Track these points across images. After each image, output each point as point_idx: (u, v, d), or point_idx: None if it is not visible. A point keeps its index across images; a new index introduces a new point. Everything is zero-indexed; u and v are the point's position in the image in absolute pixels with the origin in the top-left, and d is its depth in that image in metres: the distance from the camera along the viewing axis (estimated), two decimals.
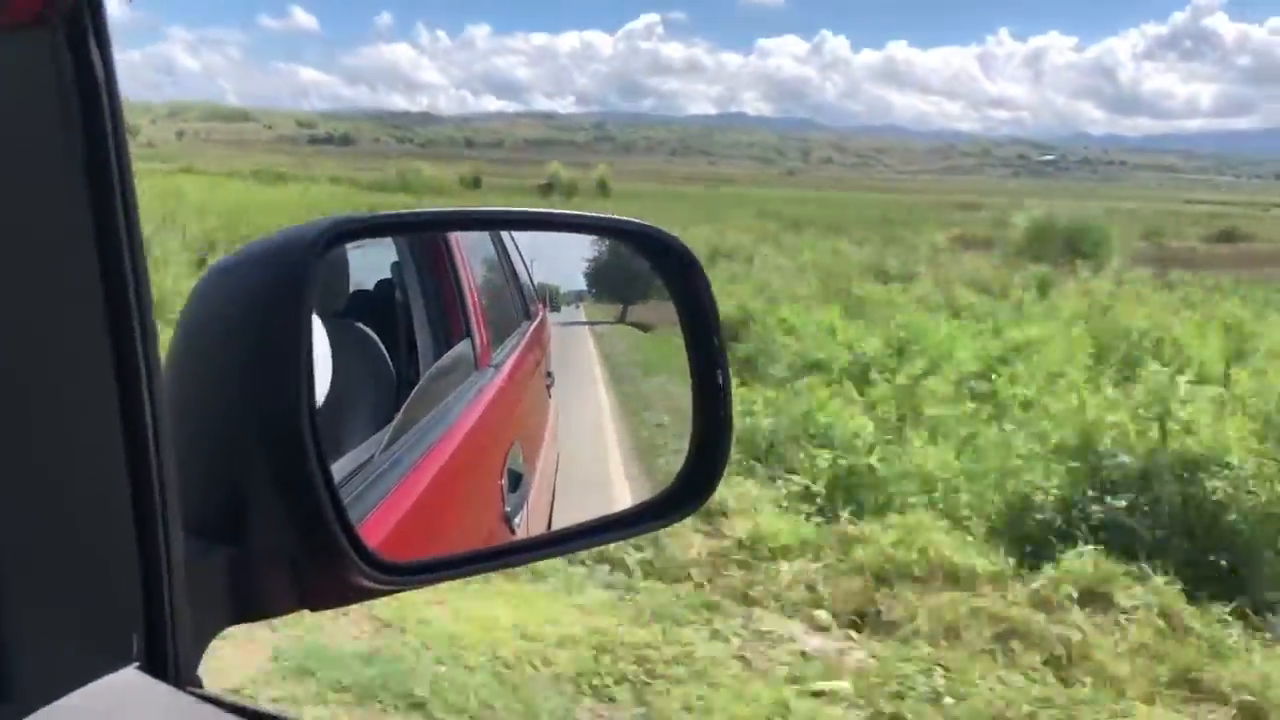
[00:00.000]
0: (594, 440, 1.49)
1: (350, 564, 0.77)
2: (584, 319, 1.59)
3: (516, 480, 1.39)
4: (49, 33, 0.57)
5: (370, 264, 1.29)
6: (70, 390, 0.61)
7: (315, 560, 0.77)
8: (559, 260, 1.57)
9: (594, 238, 1.35)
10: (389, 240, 1.27)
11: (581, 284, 1.53)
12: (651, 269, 1.17)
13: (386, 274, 1.31)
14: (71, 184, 0.59)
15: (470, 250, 1.47)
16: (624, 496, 1.25)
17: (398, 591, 0.86)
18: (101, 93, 0.59)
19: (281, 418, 0.74)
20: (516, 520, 1.35)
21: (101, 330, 0.62)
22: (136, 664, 0.65)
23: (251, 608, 0.76)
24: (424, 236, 1.33)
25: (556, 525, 1.48)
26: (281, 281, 0.77)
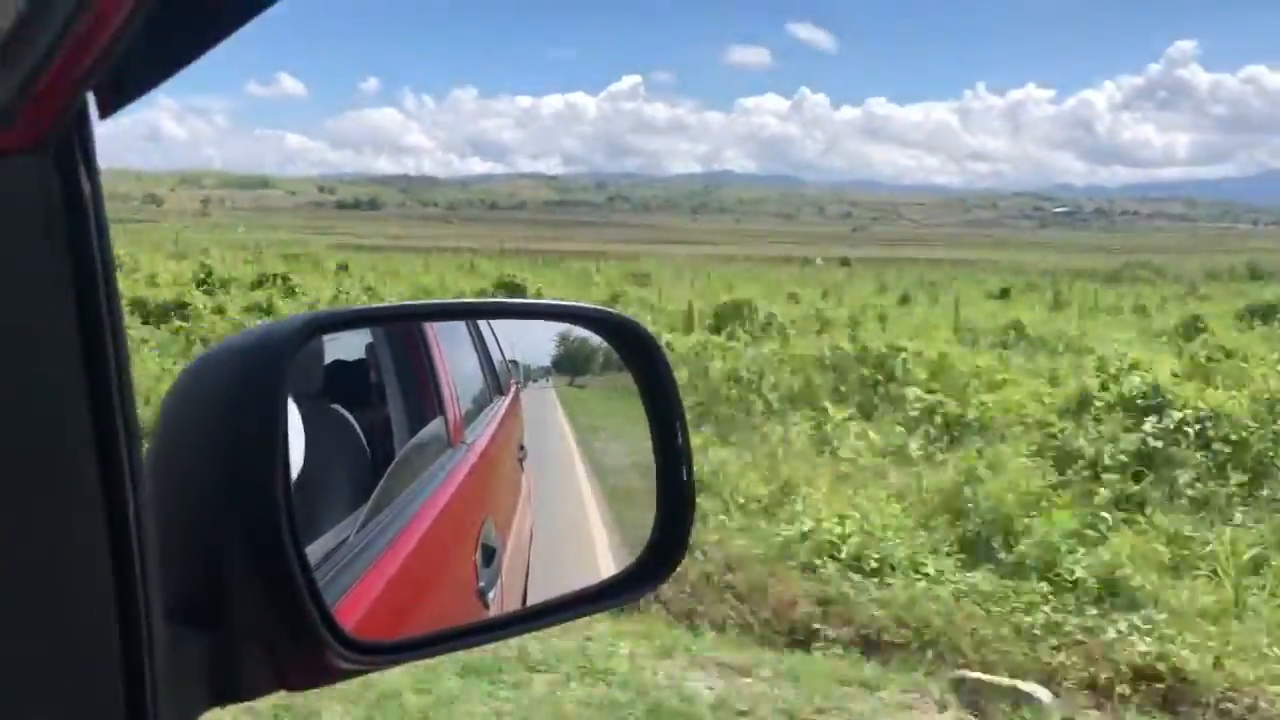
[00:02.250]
0: (563, 447, 1.82)
1: (326, 646, 0.80)
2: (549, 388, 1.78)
3: (490, 555, 1.42)
4: (41, 158, 0.62)
5: (344, 346, 1.34)
6: (53, 478, 0.65)
7: (292, 642, 0.80)
8: (530, 340, 1.64)
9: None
10: None
11: (547, 361, 1.62)
12: (614, 350, 1.22)
13: (360, 354, 1.35)
14: (60, 301, 0.63)
15: (443, 330, 1.51)
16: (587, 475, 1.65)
17: (374, 670, 0.89)
18: (89, 214, 0.63)
19: (258, 507, 0.77)
20: (491, 595, 1.37)
21: (86, 425, 0.65)
22: None
23: (231, 690, 0.79)
24: None
25: (532, 594, 1.50)
26: (258, 376, 0.81)
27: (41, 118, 0.60)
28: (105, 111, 0.64)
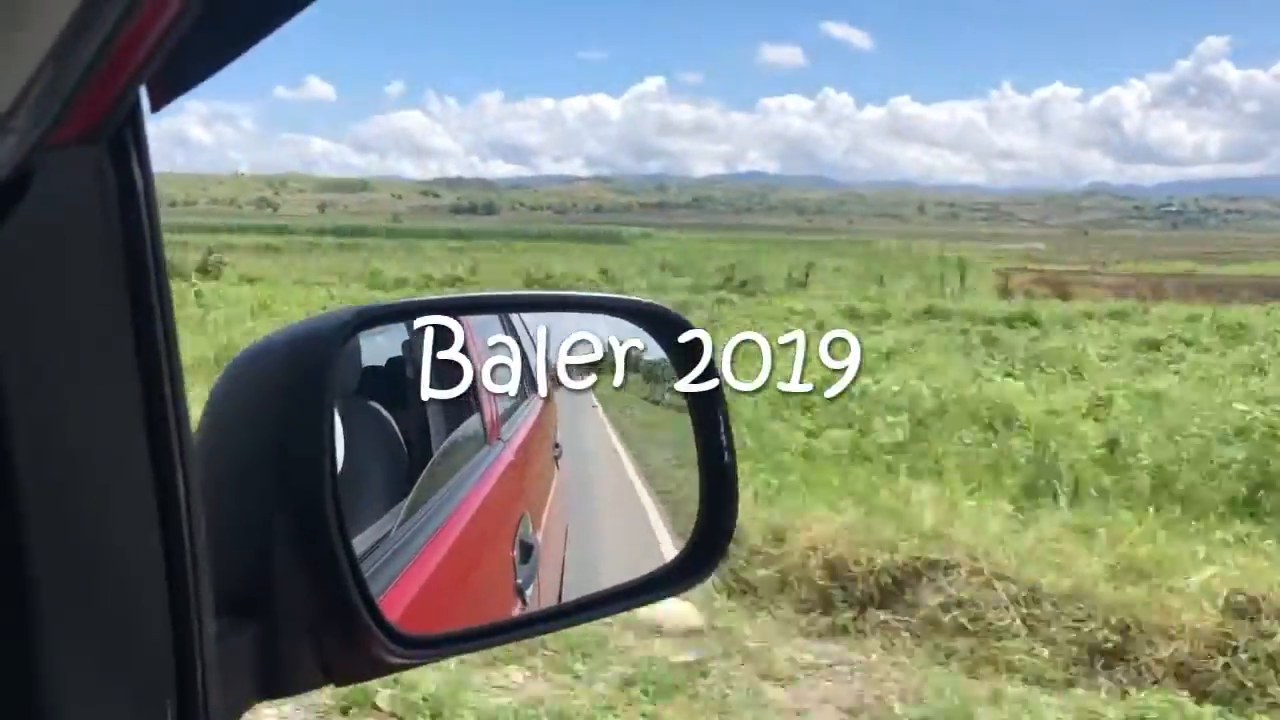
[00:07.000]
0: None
1: (373, 638, 0.80)
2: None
3: (527, 551, 1.42)
4: (96, 149, 0.62)
5: (382, 343, 1.34)
6: (105, 470, 0.65)
7: (340, 635, 0.79)
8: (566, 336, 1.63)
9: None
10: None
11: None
12: (656, 342, 1.21)
13: (398, 352, 1.35)
14: (113, 291, 0.63)
15: (479, 327, 1.51)
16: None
17: (418, 665, 0.89)
18: (142, 205, 0.63)
19: (305, 498, 0.77)
20: (529, 591, 1.37)
21: (138, 414, 0.65)
22: None
23: (278, 683, 0.79)
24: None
25: (568, 593, 1.50)
26: (305, 369, 0.81)
27: (96, 110, 0.60)
28: (157, 105, 0.64)
